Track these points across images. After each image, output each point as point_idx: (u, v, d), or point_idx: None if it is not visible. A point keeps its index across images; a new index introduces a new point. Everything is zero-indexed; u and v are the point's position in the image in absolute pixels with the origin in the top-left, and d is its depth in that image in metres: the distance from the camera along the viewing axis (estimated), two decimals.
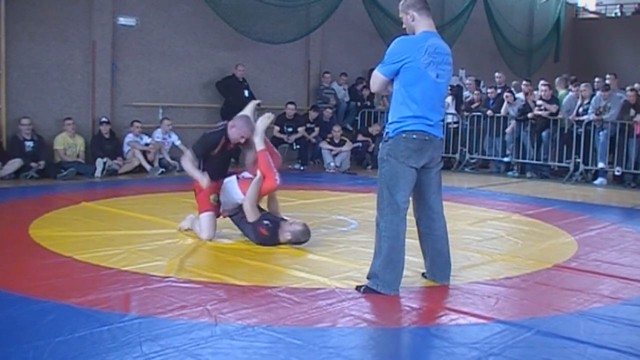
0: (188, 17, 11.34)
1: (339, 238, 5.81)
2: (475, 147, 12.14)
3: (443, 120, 4.58)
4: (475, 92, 12.53)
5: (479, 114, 12.03)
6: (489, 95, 12.21)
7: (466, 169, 12.11)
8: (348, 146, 11.60)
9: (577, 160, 10.85)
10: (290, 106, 11.67)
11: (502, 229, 6.53)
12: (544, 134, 11.25)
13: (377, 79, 4.23)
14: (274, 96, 12.48)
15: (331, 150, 11.52)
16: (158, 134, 10.48)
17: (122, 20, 10.57)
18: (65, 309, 3.71)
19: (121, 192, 8.31)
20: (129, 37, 10.68)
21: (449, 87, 11.23)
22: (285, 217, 5.63)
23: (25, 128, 9.23)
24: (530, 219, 7.18)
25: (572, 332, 3.59)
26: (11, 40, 9.38)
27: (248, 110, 5.86)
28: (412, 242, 4.39)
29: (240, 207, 5.51)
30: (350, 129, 12.85)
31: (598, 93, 10.82)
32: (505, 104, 11.70)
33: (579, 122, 10.78)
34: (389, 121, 4.22)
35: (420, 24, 4.24)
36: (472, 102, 12.45)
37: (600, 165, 10.68)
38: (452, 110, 12.19)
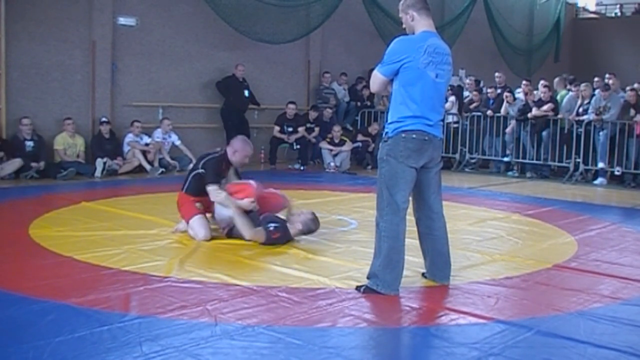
0: (188, 17, 11.34)
1: (339, 238, 5.81)
2: (475, 147, 12.13)
3: (443, 120, 4.57)
4: (474, 92, 12.52)
5: (479, 114, 12.04)
6: (489, 95, 12.21)
7: (466, 169, 12.11)
8: (348, 146, 11.61)
9: (577, 160, 10.84)
10: (291, 106, 11.68)
11: (502, 229, 6.53)
12: (544, 134, 11.24)
13: (377, 79, 4.23)
14: (274, 96, 12.50)
15: (331, 150, 11.52)
16: (158, 134, 10.48)
17: (122, 20, 10.57)
18: (65, 309, 3.71)
19: (121, 192, 8.31)
20: (129, 37, 10.68)
21: (450, 88, 11.25)
22: (281, 216, 5.65)
23: (25, 128, 9.24)
24: (530, 219, 7.18)
25: (572, 332, 3.59)
26: (11, 40, 9.38)
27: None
28: (412, 242, 4.39)
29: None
30: (350, 129, 12.85)
31: (598, 93, 10.82)
32: (505, 104, 11.71)
33: (579, 122, 10.78)
34: (389, 121, 4.22)
35: (420, 24, 4.24)
36: (471, 102, 12.45)
37: (600, 165, 10.67)
38: (455, 110, 12.19)
